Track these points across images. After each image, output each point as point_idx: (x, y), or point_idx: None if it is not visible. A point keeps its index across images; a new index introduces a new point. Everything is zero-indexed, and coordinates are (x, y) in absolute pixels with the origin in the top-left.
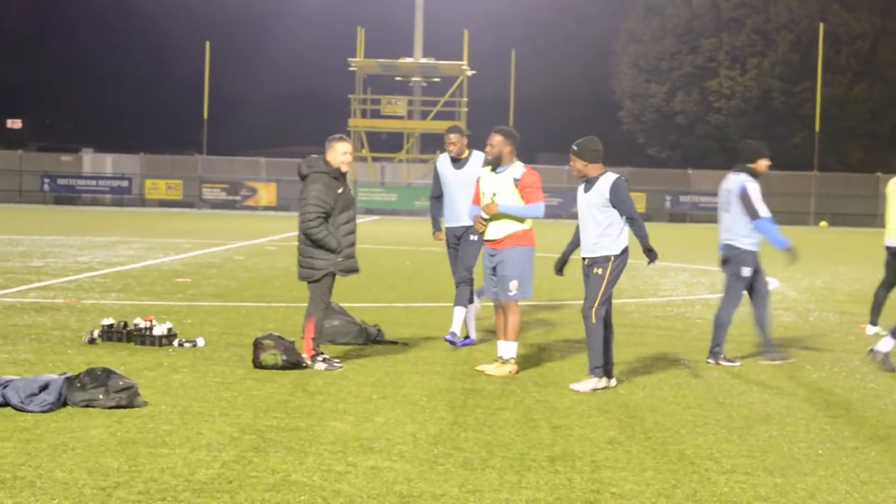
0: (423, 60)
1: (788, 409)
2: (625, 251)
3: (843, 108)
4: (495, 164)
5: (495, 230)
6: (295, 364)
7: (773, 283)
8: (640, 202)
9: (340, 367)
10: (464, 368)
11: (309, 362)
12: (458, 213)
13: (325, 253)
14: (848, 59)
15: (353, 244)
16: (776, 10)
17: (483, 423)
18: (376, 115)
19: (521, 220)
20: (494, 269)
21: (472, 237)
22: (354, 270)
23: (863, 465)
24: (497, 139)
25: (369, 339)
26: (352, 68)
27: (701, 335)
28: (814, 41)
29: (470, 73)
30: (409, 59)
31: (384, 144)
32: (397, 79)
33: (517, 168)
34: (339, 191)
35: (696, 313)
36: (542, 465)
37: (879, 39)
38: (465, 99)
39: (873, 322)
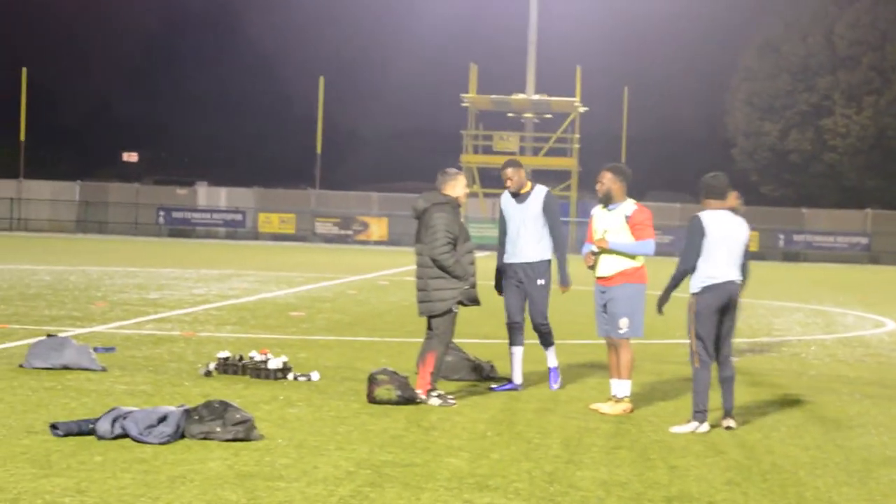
0: (536, 97)
1: None
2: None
3: None
4: (606, 201)
5: (606, 267)
6: (409, 399)
7: (889, 324)
8: (753, 241)
9: (454, 404)
10: (578, 406)
11: (423, 397)
12: (522, 249)
13: (451, 282)
14: None
15: (474, 274)
16: (893, 48)
17: (599, 461)
18: (488, 150)
19: (632, 257)
20: (605, 306)
21: (539, 281)
22: (477, 300)
23: None
24: (607, 176)
25: (483, 376)
26: (464, 104)
27: (818, 376)
28: None
29: (582, 109)
30: (521, 96)
31: (495, 181)
32: (509, 115)
33: (628, 205)
34: (461, 221)
35: (812, 354)
36: None
37: None
38: (577, 135)
39: None
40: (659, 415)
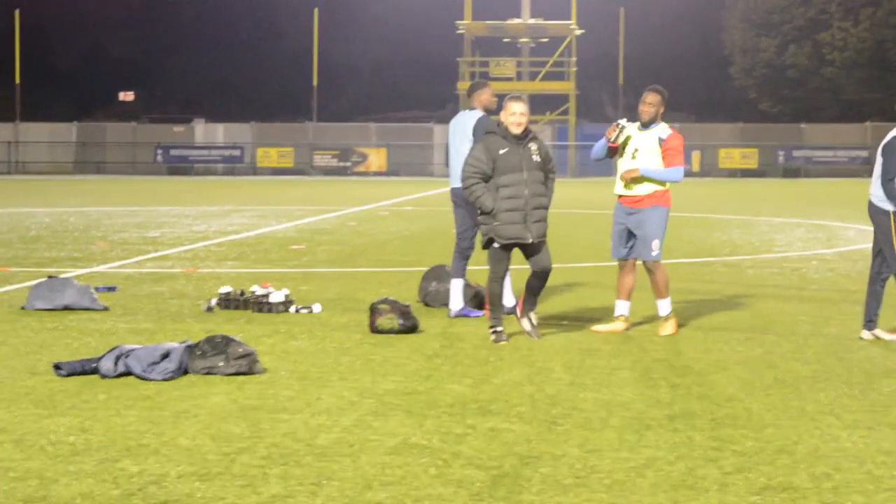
0: (531, 21)
1: None
2: None
3: None
4: (648, 122)
5: (637, 189)
6: (411, 328)
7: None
8: (752, 158)
9: (505, 340)
10: (578, 328)
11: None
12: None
13: (487, 217)
14: None
15: (514, 209)
16: None
17: (601, 382)
18: (485, 77)
19: (661, 182)
20: (627, 227)
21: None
22: (515, 238)
23: None
24: (656, 99)
25: (483, 302)
26: (460, 31)
27: (818, 290)
28: None
29: (578, 32)
30: (516, 20)
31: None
32: (505, 40)
33: (663, 129)
34: (502, 151)
35: (813, 269)
36: (661, 424)
37: None
38: (574, 58)
39: None
40: (659, 335)
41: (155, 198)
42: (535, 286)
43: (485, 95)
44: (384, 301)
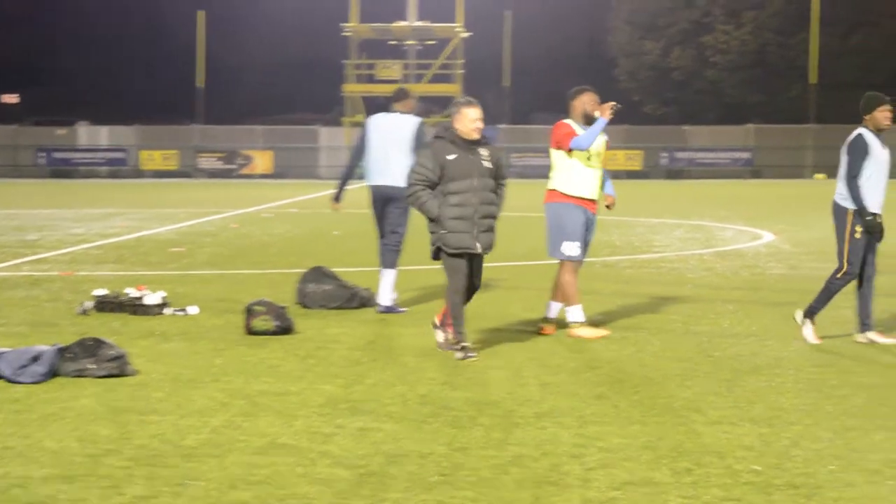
0: (418, 23)
1: (777, 360)
2: None
3: (838, 59)
4: (591, 122)
5: (596, 193)
6: (286, 329)
7: (767, 237)
8: (636, 159)
9: (474, 357)
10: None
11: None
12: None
13: (434, 225)
14: (843, 10)
15: (461, 217)
16: None
17: (472, 382)
18: (371, 80)
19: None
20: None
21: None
22: (463, 248)
23: (848, 412)
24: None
25: (361, 303)
26: (345, 33)
27: (693, 289)
28: None
29: (464, 34)
30: (402, 23)
31: (383, 109)
32: (391, 43)
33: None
34: (451, 157)
35: (690, 268)
36: (529, 422)
37: None
38: (461, 61)
39: None
40: (533, 334)
41: (35, 201)
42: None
43: (413, 101)
44: (260, 303)
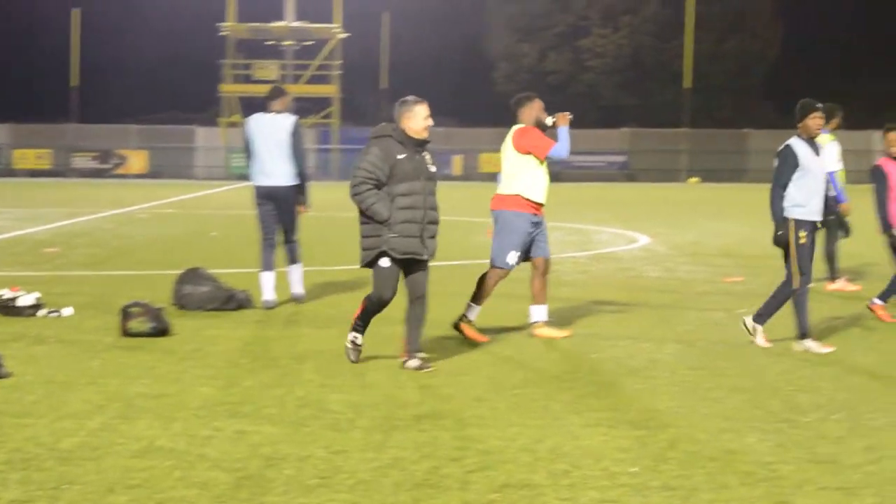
0: (296, 24)
1: (653, 362)
2: None
3: (712, 63)
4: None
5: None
6: (163, 331)
7: (642, 240)
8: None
9: (358, 350)
10: (335, 331)
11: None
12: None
13: (375, 228)
14: (718, 15)
15: (413, 221)
16: None
17: (351, 384)
18: (248, 80)
19: None
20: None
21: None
22: (411, 253)
23: (723, 414)
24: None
25: (239, 305)
26: (222, 33)
27: (570, 291)
28: None
29: (343, 35)
30: (280, 23)
31: (258, 109)
32: (269, 43)
33: None
34: (401, 157)
35: (566, 271)
36: (408, 425)
37: None
38: (339, 62)
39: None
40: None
41: None
42: (418, 316)
43: (288, 99)
44: (136, 304)
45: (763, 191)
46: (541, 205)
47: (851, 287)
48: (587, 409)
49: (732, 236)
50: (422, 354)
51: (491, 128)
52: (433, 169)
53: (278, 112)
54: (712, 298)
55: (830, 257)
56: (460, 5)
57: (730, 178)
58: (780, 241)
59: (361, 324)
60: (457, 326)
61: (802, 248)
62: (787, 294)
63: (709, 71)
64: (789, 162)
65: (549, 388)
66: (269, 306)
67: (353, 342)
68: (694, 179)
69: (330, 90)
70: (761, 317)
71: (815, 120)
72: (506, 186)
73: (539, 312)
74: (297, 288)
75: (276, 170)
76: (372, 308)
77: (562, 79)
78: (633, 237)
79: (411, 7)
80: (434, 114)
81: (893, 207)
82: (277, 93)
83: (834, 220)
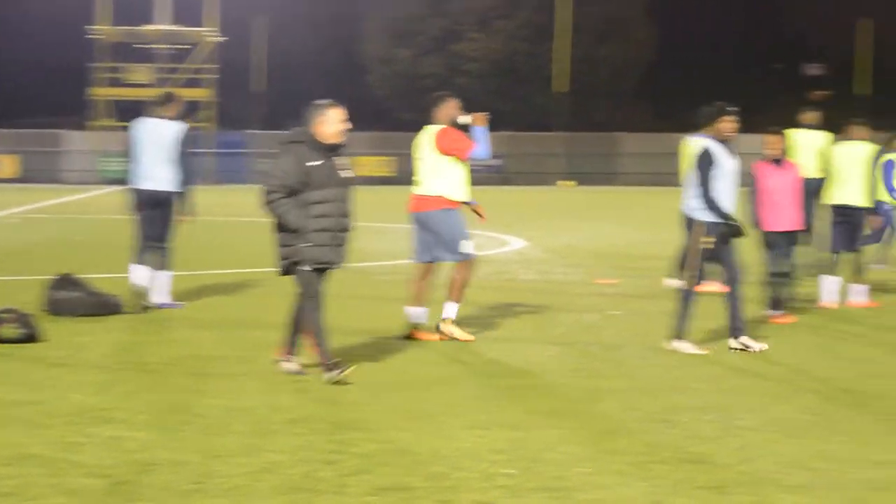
0: (169, 27)
1: (529, 364)
2: None
3: (587, 68)
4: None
5: None
6: (34, 337)
7: (517, 243)
8: (389, 165)
9: (347, 372)
10: (208, 334)
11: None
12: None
13: (288, 237)
14: (592, 19)
15: (327, 230)
16: None
17: (224, 389)
18: (120, 83)
19: None
20: None
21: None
22: (326, 263)
23: (597, 416)
24: None
25: (111, 311)
26: (93, 36)
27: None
28: (557, 2)
29: (217, 39)
30: (153, 27)
31: (131, 113)
32: (138, 46)
33: None
34: (314, 163)
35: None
36: (282, 429)
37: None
38: (214, 66)
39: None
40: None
41: None
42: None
43: (177, 106)
44: (6, 310)
45: (636, 193)
46: (462, 203)
47: (723, 288)
48: (464, 412)
49: (606, 239)
50: (300, 359)
51: (367, 132)
52: (348, 174)
53: (166, 118)
54: (587, 300)
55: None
56: (336, 9)
57: (604, 181)
58: (738, 232)
59: (321, 340)
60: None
61: (704, 251)
62: (738, 294)
63: (583, 75)
64: (708, 162)
65: (425, 391)
66: (148, 303)
67: (335, 368)
68: (568, 183)
69: (204, 94)
70: (737, 330)
71: (726, 123)
72: (426, 187)
73: (451, 308)
74: (162, 297)
75: (158, 174)
76: (314, 316)
77: (436, 83)
78: (507, 240)
79: (287, 11)
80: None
81: (763, 210)
82: (168, 98)
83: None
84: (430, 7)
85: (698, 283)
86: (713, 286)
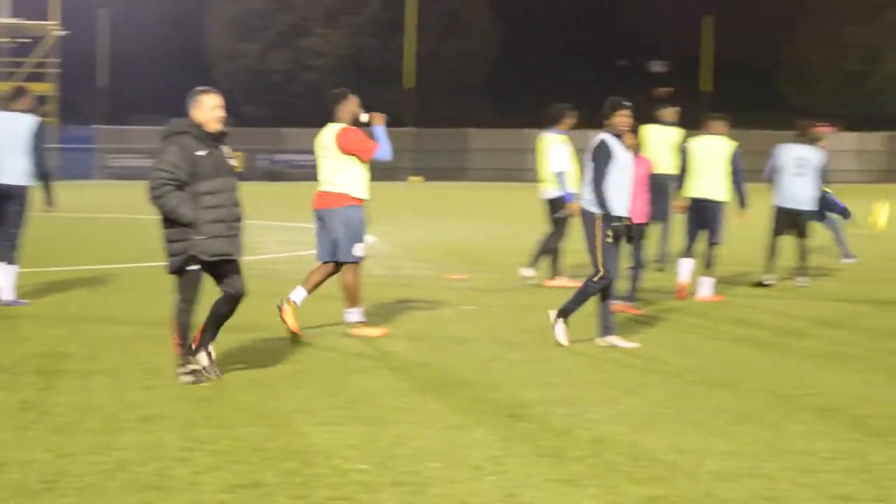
0: (10, 20)
1: (380, 360)
2: None
3: (434, 63)
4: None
5: None
6: None
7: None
8: (236, 161)
9: (208, 380)
10: (55, 333)
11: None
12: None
13: (180, 232)
14: (438, 15)
15: (221, 220)
16: None
17: (75, 387)
18: None
19: None
20: None
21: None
22: (221, 255)
23: (448, 410)
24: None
25: None
26: None
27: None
28: None
29: (60, 33)
30: None
31: None
32: None
33: None
34: (201, 153)
35: (290, 270)
36: (134, 427)
37: None
38: (57, 60)
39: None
40: (136, 337)
41: None
42: (224, 313)
43: (29, 100)
44: None
45: (485, 189)
46: (364, 200)
47: (571, 283)
48: (316, 408)
49: (455, 234)
50: (195, 366)
51: None
52: (233, 164)
53: (18, 112)
54: (437, 295)
55: (554, 254)
56: (181, 3)
57: (452, 176)
58: (620, 232)
59: (185, 348)
60: (280, 307)
61: (608, 246)
62: (594, 288)
63: (430, 71)
64: (605, 156)
65: (276, 387)
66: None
67: (192, 372)
68: (417, 178)
69: (46, 88)
70: (607, 329)
71: (621, 118)
72: (330, 185)
73: (355, 314)
74: (8, 294)
75: (10, 168)
76: (183, 319)
77: (282, 78)
78: None
79: (130, 4)
80: (156, 112)
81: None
82: (19, 92)
83: (561, 218)
84: (276, 2)
85: (610, 278)
86: (566, 282)
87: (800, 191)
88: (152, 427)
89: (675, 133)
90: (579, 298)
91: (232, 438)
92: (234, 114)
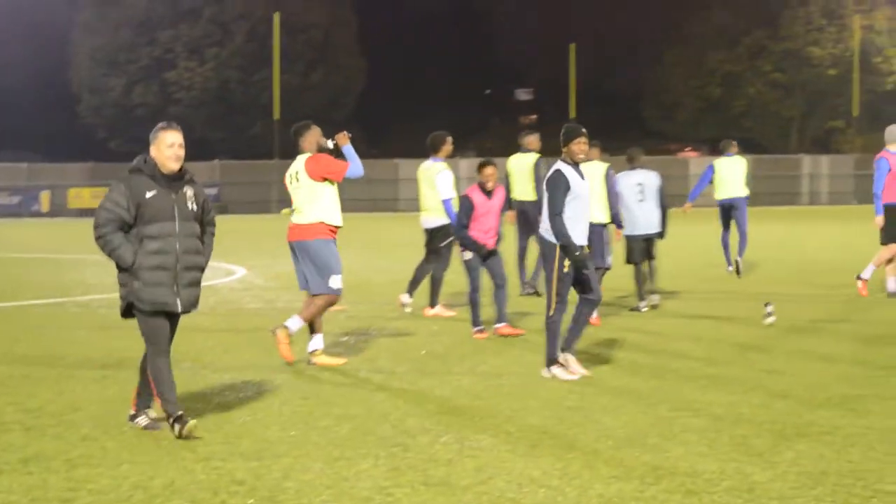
0: None
1: (261, 393)
2: None
3: (300, 95)
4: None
5: None
6: None
7: (239, 272)
8: (83, 198)
9: (189, 426)
10: None
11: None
12: None
13: (125, 276)
14: (303, 48)
15: (161, 268)
16: (232, 1)
17: None
18: None
19: None
20: None
21: None
22: (160, 305)
23: (334, 443)
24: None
25: None
26: None
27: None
28: (270, 30)
29: None
30: None
31: None
32: None
33: None
34: (150, 194)
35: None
36: (15, 468)
37: (333, 28)
38: None
39: (431, 303)
40: (19, 377)
41: None
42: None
43: None
44: None
45: (355, 219)
46: (339, 228)
47: (448, 313)
48: (200, 444)
49: None
50: (152, 413)
51: (78, 162)
52: (193, 208)
53: None
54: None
55: (436, 283)
56: (42, 36)
57: None
58: (582, 260)
59: (165, 389)
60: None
61: (565, 276)
62: (556, 321)
63: (297, 103)
64: (561, 186)
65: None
66: None
67: (178, 420)
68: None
69: None
70: (550, 360)
71: (579, 145)
72: (304, 216)
73: (316, 341)
74: None
75: None
76: (157, 363)
77: (149, 112)
78: (230, 269)
79: None
80: (22, 148)
81: (474, 233)
82: None
83: (445, 247)
84: (140, 35)
85: (564, 310)
86: (441, 310)
87: (646, 216)
88: (34, 468)
89: (534, 159)
90: (551, 339)
91: (114, 477)
92: (101, 149)
